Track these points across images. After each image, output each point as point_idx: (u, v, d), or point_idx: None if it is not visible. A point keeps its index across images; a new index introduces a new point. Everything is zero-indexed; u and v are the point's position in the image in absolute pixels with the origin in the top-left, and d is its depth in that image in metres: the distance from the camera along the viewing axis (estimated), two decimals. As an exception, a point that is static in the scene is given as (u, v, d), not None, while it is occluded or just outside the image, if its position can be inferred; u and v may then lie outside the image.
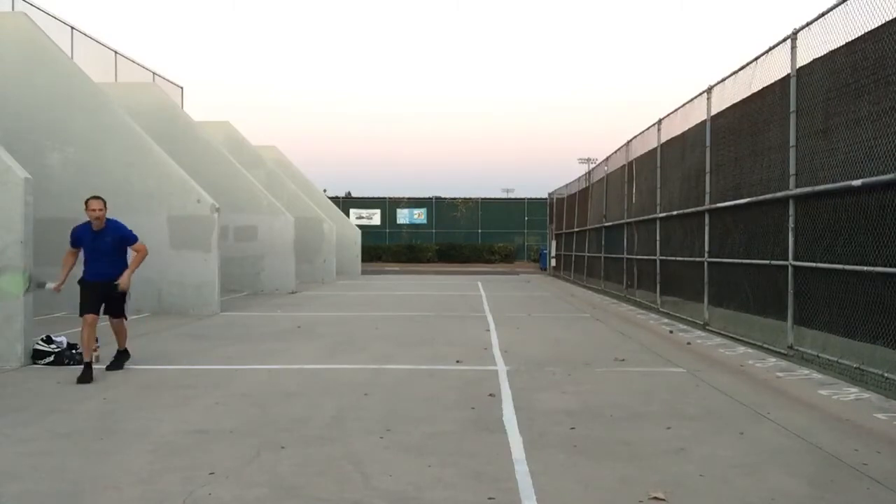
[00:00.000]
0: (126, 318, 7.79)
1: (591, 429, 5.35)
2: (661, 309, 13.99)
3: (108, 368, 7.62)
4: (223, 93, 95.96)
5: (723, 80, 10.84)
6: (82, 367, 7.20)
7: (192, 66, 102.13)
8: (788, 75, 8.63)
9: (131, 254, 7.69)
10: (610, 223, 19.08)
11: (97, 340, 8.21)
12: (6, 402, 6.22)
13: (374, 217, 46.91)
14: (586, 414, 5.82)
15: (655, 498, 3.91)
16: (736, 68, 10.27)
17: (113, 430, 5.29)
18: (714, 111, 11.30)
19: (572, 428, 5.35)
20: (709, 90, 11.44)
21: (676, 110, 13.33)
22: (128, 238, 7.63)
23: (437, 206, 47.24)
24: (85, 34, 17.62)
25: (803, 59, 8.34)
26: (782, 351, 8.60)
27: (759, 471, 4.40)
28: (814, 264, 7.96)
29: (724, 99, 10.85)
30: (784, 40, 8.73)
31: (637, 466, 4.46)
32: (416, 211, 47.31)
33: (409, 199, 47.83)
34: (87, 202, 7.50)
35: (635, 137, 16.61)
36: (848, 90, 7.41)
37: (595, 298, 18.18)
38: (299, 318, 12.82)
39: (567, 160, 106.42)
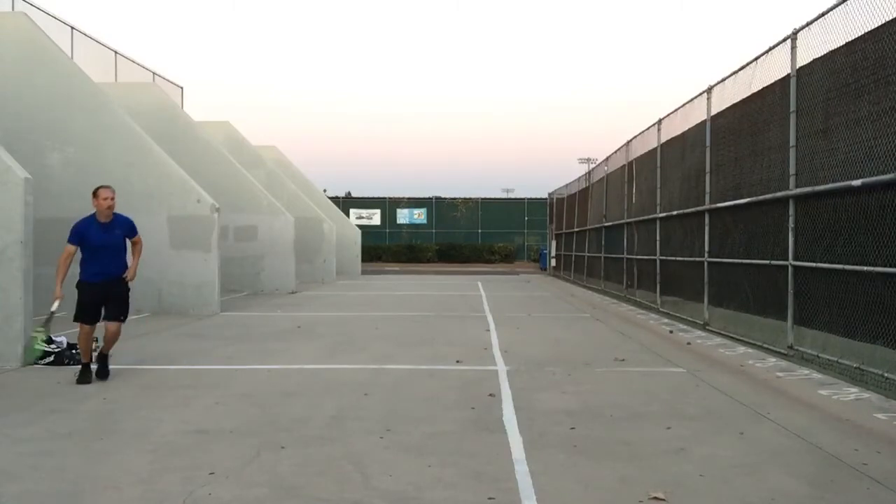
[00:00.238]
0: (124, 322, 7.27)
1: (591, 429, 5.35)
2: (661, 309, 13.99)
3: (99, 377, 7.10)
4: (223, 93, 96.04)
5: (723, 80, 10.84)
6: (80, 367, 7.12)
7: (192, 66, 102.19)
8: (788, 75, 8.63)
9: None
10: (610, 223, 19.08)
11: (96, 340, 8.21)
12: (6, 402, 6.22)
13: (374, 217, 46.91)
14: (586, 414, 5.82)
15: (655, 498, 3.91)
16: (736, 68, 10.28)
17: (113, 430, 5.29)
18: (714, 111, 11.30)
19: (572, 428, 5.35)
20: (709, 90, 11.44)
21: (676, 110, 13.33)
22: (132, 229, 7.27)
23: (437, 206, 47.24)
24: (85, 34, 17.62)
25: (803, 59, 8.34)
26: (782, 351, 8.60)
27: (759, 471, 4.40)
28: (814, 264, 7.96)
29: (724, 99, 10.85)
30: (784, 40, 8.73)
31: (637, 466, 4.46)
32: (416, 211, 47.31)
33: (409, 199, 47.83)
34: (96, 191, 7.02)
35: (635, 137, 16.61)
36: (848, 90, 7.41)
37: (595, 298, 18.18)
38: (299, 318, 12.82)
39: (567, 160, 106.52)
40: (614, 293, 18.33)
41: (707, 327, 11.28)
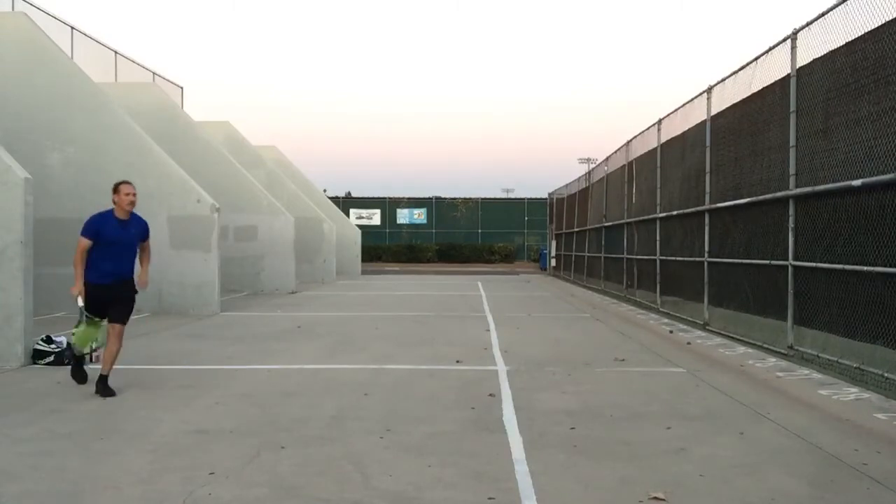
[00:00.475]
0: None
1: (591, 429, 5.35)
2: (661, 309, 13.99)
3: (104, 394, 6.42)
4: (223, 93, 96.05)
5: (723, 80, 10.84)
6: (73, 363, 6.89)
7: (192, 66, 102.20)
8: (788, 75, 8.63)
9: None
10: (610, 223, 19.08)
11: (96, 340, 8.21)
12: (6, 402, 6.22)
13: (374, 217, 46.91)
14: (586, 414, 5.82)
15: (655, 498, 3.91)
16: (736, 68, 10.27)
17: (113, 430, 5.28)
18: (714, 111, 11.30)
19: (572, 428, 5.35)
20: (709, 90, 11.44)
21: (676, 110, 13.33)
22: (147, 233, 6.90)
23: (437, 206, 47.24)
24: (85, 34, 17.63)
25: (803, 59, 8.34)
26: (782, 351, 8.60)
27: (759, 471, 4.40)
28: (814, 264, 7.96)
29: (724, 99, 10.85)
30: (784, 40, 8.73)
31: (637, 466, 4.46)
32: (416, 211, 47.31)
33: (409, 199, 47.83)
34: (118, 187, 6.65)
35: (635, 137, 16.62)
36: (848, 90, 7.41)
37: (595, 298, 18.18)
38: (299, 318, 12.82)
39: (567, 160, 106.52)
40: (614, 293, 18.32)
41: (707, 327, 11.28)
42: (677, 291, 13.26)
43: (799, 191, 8.31)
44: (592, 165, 29.25)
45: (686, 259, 12.50)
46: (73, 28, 17.03)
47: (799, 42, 8.43)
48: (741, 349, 9.33)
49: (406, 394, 6.58)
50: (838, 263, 7.42)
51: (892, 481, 4.20)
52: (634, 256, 16.40)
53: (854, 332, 7.21)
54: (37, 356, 7.98)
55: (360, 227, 33.95)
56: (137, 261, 6.94)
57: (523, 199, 47.89)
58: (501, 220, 46.62)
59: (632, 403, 6.19)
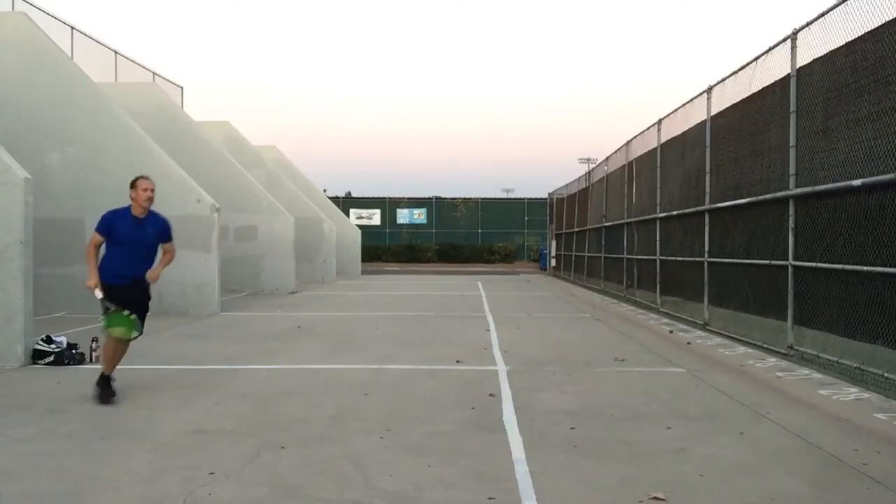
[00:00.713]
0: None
1: (591, 429, 5.35)
2: (661, 309, 13.99)
3: (101, 401, 6.10)
4: (223, 93, 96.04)
5: (723, 80, 10.84)
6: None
7: (192, 66, 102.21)
8: (788, 75, 8.63)
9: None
10: (610, 223, 19.08)
11: (96, 340, 8.21)
12: (6, 401, 6.22)
13: (374, 217, 46.90)
14: (586, 414, 5.82)
15: (655, 498, 3.91)
16: (736, 68, 10.27)
17: (113, 430, 5.28)
18: (714, 111, 11.30)
19: (572, 428, 5.35)
20: (709, 90, 11.44)
21: (676, 110, 13.33)
22: (167, 233, 6.52)
23: (437, 206, 47.23)
24: (85, 34, 17.62)
25: (803, 59, 8.34)
26: (782, 351, 8.60)
27: (759, 471, 4.40)
28: (814, 264, 7.96)
29: (724, 99, 10.85)
30: (784, 40, 8.73)
31: (637, 466, 4.46)
32: (416, 211, 47.31)
33: (409, 199, 47.82)
34: (135, 182, 6.31)
35: (635, 137, 16.61)
36: (848, 90, 7.41)
37: (595, 298, 18.18)
38: (299, 318, 12.82)
39: (567, 160, 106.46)
40: (614, 293, 18.32)
41: (707, 327, 11.28)
42: (677, 291, 13.26)
43: (799, 191, 8.31)
44: (592, 165, 29.26)
45: (686, 259, 12.50)
46: (73, 28, 17.02)
47: (799, 42, 8.43)
48: (741, 349, 9.33)
49: (406, 394, 6.58)
50: (838, 263, 7.42)
51: (892, 481, 4.20)
52: (634, 256, 16.40)
53: (854, 332, 7.21)
54: (37, 356, 7.98)
55: (360, 227, 33.95)
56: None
57: (523, 199, 47.89)
58: (501, 220, 46.62)
59: (632, 403, 6.19)
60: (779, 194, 8.77)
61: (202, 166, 17.02)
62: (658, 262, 14.25)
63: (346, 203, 45.50)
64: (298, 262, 20.52)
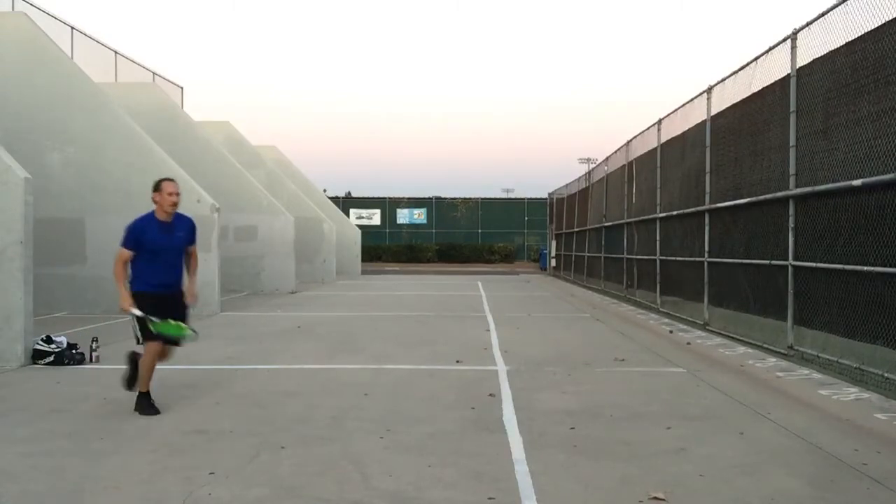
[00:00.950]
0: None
1: (591, 429, 5.35)
2: (661, 309, 13.99)
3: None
4: (223, 93, 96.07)
5: (723, 80, 10.83)
6: (140, 400, 5.86)
7: (192, 66, 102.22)
8: (788, 75, 8.63)
9: None
10: (610, 223, 19.08)
11: (96, 341, 8.22)
12: (6, 402, 6.22)
13: (374, 217, 46.90)
14: (586, 414, 5.82)
15: (655, 498, 3.91)
16: (736, 68, 10.27)
17: (113, 430, 5.28)
18: (714, 111, 11.30)
19: (572, 428, 5.35)
20: (709, 90, 11.44)
21: (676, 110, 13.33)
22: (193, 234, 6.23)
23: (437, 206, 47.23)
24: (85, 34, 17.61)
25: (803, 59, 8.34)
26: (782, 351, 8.60)
27: (759, 471, 4.40)
28: (814, 264, 7.96)
29: (724, 99, 10.85)
30: (784, 40, 8.73)
31: (637, 466, 4.46)
32: (416, 211, 47.31)
33: (409, 199, 47.82)
34: (159, 185, 5.86)
35: (635, 137, 16.61)
36: (848, 90, 7.41)
37: (595, 298, 18.18)
38: (299, 318, 12.82)
39: (567, 160, 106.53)
40: (614, 293, 18.32)
41: (707, 327, 11.28)
42: (677, 291, 13.26)
43: (799, 191, 8.30)
44: (592, 165, 29.26)
45: (686, 259, 12.50)
46: (73, 28, 17.01)
47: (799, 42, 8.43)
48: (741, 349, 9.33)
49: (406, 394, 6.58)
50: (838, 263, 7.42)
51: (891, 481, 4.20)
52: (634, 256, 16.40)
53: (854, 332, 7.21)
54: (37, 356, 7.97)
55: (360, 227, 33.94)
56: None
57: (523, 199, 47.89)
58: (501, 220, 46.62)
59: (632, 403, 6.19)
60: (779, 194, 8.77)
61: (202, 166, 17.02)
62: (658, 262, 14.25)
63: (346, 203, 45.51)
64: (298, 262, 20.52)
